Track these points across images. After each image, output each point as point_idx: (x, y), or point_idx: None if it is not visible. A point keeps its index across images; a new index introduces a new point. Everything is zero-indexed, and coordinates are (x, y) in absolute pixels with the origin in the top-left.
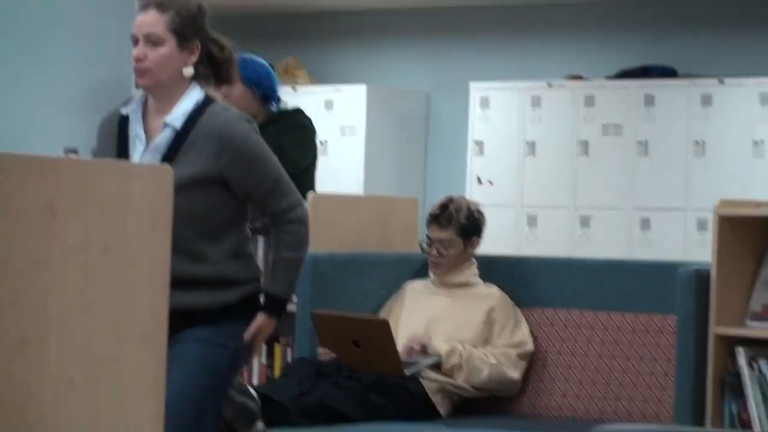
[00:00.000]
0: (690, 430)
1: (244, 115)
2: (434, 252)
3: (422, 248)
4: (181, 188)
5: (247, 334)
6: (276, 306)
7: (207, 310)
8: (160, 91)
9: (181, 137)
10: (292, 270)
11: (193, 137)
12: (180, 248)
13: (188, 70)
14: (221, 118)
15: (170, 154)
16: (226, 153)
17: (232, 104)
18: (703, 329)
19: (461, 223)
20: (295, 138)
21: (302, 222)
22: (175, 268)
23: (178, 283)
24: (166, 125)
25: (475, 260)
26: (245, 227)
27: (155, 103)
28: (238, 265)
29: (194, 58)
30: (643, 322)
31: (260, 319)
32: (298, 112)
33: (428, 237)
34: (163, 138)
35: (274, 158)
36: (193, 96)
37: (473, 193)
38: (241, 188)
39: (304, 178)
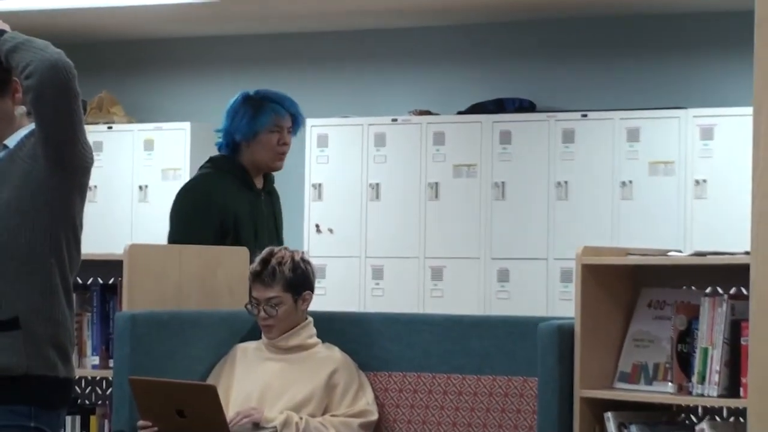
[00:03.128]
0: None
1: None
2: (262, 314)
3: (248, 311)
4: None
5: None
6: None
7: None
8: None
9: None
10: (29, 42)
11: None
12: None
13: (20, 110)
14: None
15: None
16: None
17: None
18: (568, 392)
19: (287, 276)
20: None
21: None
22: None
23: None
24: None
25: (311, 318)
26: None
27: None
28: None
29: (19, 95)
30: (501, 385)
31: None
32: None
33: (254, 298)
34: None
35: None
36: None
37: (312, 243)
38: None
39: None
